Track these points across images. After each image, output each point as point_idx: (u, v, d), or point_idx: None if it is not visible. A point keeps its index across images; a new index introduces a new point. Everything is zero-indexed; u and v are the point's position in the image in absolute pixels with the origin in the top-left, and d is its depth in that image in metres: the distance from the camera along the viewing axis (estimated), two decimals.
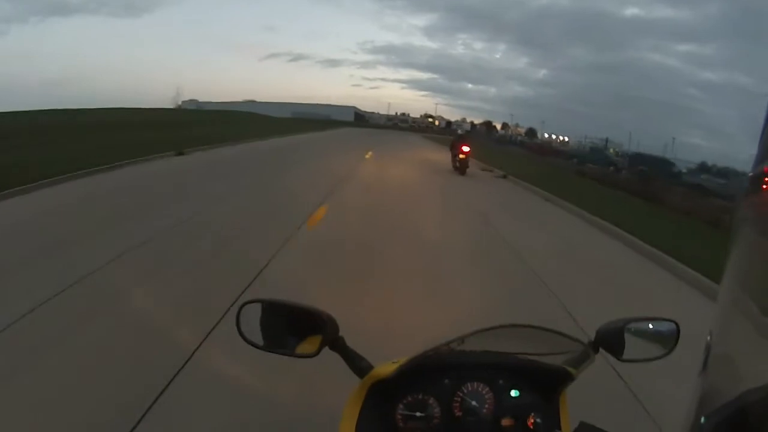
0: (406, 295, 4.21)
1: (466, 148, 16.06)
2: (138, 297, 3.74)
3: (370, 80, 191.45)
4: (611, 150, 45.53)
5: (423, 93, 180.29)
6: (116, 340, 3.06)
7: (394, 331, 3.31)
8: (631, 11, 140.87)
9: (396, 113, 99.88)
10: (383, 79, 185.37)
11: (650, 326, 1.11)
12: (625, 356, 1.06)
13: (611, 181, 18.77)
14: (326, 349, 0.98)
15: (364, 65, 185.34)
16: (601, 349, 1.07)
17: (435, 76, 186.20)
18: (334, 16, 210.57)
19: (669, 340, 1.10)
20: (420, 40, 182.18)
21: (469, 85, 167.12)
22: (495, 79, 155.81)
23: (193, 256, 4.83)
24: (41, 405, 2.41)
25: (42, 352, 2.86)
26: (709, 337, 0.61)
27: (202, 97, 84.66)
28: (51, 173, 8.37)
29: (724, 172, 29.85)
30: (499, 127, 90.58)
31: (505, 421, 0.99)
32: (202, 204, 7.29)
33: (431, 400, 0.98)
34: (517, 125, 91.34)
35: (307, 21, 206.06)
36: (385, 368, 0.97)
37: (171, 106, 51.36)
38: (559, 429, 1.01)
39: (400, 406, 0.97)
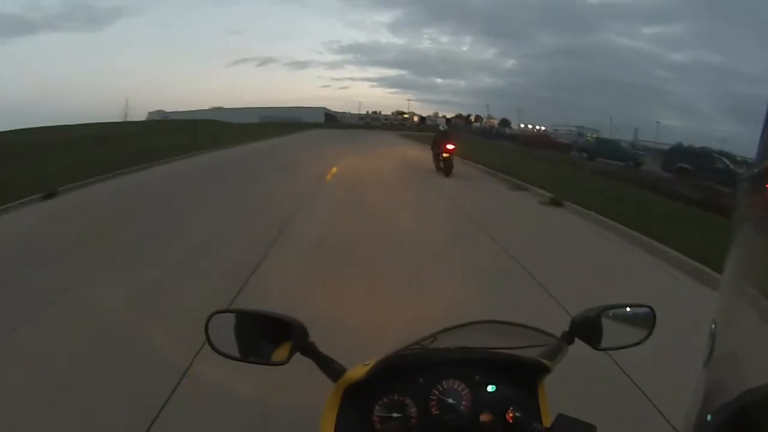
0: None
1: (450, 146, 14.10)
2: None
3: (338, 80, 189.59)
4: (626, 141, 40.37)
5: (392, 90, 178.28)
6: None
7: None
8: None
9: (367, 112, 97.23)
10: (352, 79, 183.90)
11: (626, 313, 1.11)
12: (601, 345, 1.06)
13: (662, 188, 13.74)
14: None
15: (332, 65, 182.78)
16: (577, 339, 1.06)
17: (403, 72, 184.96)
18: (298, 18, 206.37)
19: (645, 325, 1.10)
20: (386, 37, 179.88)
21: (439, 80, 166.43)
22: (464, 71, 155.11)
23: None
24: None
25: None
26: (712, 332, 0.62)
27: (170, 107, 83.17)
28: None
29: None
30: (472, 119, 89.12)
31: (484, 417, 0.97)
32: None
33: (407, 400, 0.97)
34: (489, 116, 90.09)
35: (273, 24, 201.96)
36: (357, 371, 0.97)
37: (120, 119, 46.13)
38: (539, 421, 0.99)
39: (377, 407, 0.96)
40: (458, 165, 14.77)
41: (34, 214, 7.40)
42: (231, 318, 1.00)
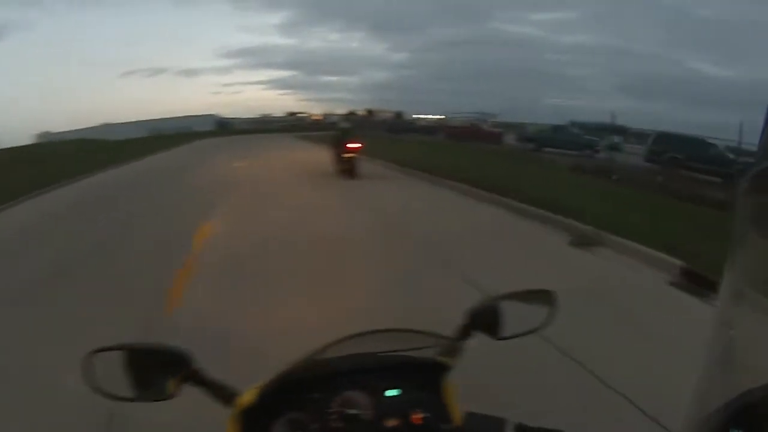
0: None
1: (353, 144, 13.16)
2: None
3: (229, 86, 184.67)
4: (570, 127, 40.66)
5: (284, 91, 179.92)
6: None
7: None
8: None
9: (260, 115, 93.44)
10: (242, 83, 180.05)
11: (525, 298, 1.09)
12: (502, 334, 1.05)
13: (648, 182, 12.56)
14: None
15: (222, 71, 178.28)
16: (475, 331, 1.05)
17: (295, 72, 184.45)
18: (188, 26, 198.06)
19: (546, 308, 1.08)
20: (276, 39, 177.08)
21: (331, 78, 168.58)
22: (355, 68, 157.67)
23: None
24: None
25: None
26: (713, 332, 0.61)
27: (62, 126, 79.64)
28: None
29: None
30: (368, 114, 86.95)
31: (390, 422, 0.95)
32: None
33: (306, 418, 0.94)
34: (383, 110, 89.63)
35: (162, 34, 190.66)
36: (250, 394, 0.94)
37: None
38: (449, 421, 0.98)
39: (276, 429, 0.93)
40: (381, 169, 14.77)
41: None
42: (114, 355, 0.95)
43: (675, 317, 4.45)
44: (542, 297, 1.11)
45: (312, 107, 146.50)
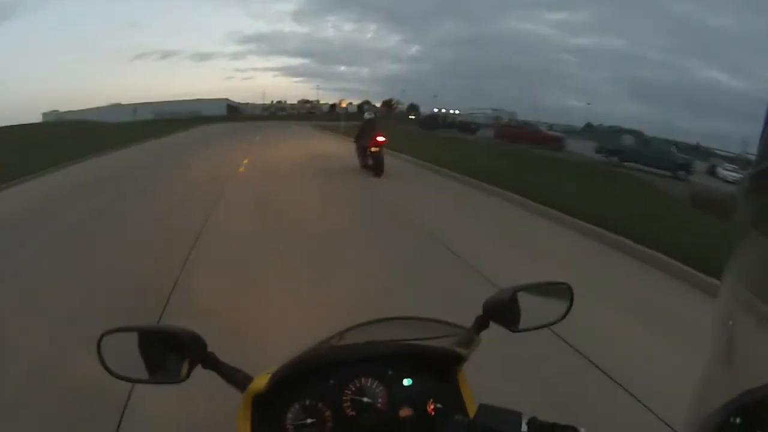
0: None
1: (381, 138, 11.38)
2: None
3: (242, 71, 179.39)
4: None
5: (297, 79, 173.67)
6: None
7: None
8: None
9: (272, 102, 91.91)
10: (255, 69, 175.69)
11: (542, 290, 1.06)
12: (519, 326, 0.99)
13: None
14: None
15: (235, 56, 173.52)
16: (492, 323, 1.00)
17: (307, 61, 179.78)
18: (200, 9, 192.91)
19: (563, 301, 1.05)
20: (289, 26, 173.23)
21: (343, 67, 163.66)
22: (368, 59, 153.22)
23: None
24: None
25: None
26: (714, 332, 0.61)
27: (72, 106, 78.80)
28: None
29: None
30: (378, 106, 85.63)
31: (404, 412, 0.92)
32: None
33: (319, 405, 0.91)
34: (397, 102, 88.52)
35: (175, 17, 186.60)
36: (263, 378, 0.90)
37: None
38: (463, 411, 0.95)
39: (289, 415, 0.90)
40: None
41: None
42: (127, 336, 0.88)
43: None
44: (559, 289, 1.06)
45: (323, 96, 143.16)
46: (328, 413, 0.91)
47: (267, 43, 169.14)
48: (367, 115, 13.42)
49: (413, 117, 51.41)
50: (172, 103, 78.57)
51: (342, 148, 17.15)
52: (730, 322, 0.61)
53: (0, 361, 2.95)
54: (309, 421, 0.90)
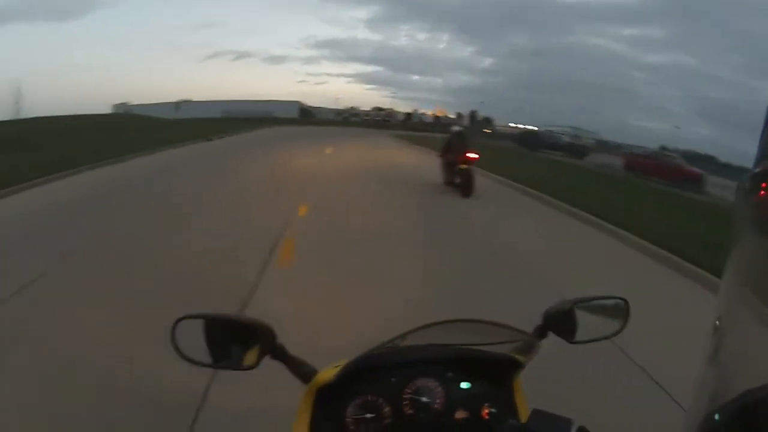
0: None
1: (473, 155, 10.06)
2: None
3: (315, 75, 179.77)
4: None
5: (369, 86, 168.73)
6: None
7: None
8: None
9: (345, 107, 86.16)
10: (328, 74, 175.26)
11: (599, 304, 1.07)
12: (576, 338, 1.02)
13: None
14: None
15: (308, 61, 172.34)
16: (550, 333, 1.02)
17: (380, 68, 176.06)
18: (275, 13, 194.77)
19: (619, 317, 1.07)
20: (363, 33, 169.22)
21: (416, 77, 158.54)
22: (440, 69, 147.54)
23: None
24: None
25: None
26: (714, 332, 0.60)
27: (138, 100, 74.42)
28: None
29: None
30: (453, 116, 78.18)
31: (459, 414, 0.95)
32: None
33: (380, 401, 0.95)
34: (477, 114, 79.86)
35: (249, 19, 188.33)
36: (328, 372, 0.95)
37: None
38: (516, 417, 0.97)
39: (349, 409, 0.93)
40: None
41: None
42: (198, 324, 0.93)
43: None
44: (616, 305, 1.08)
45: (394, 105, 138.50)
46: (387, 410, 0.94)
47: (340, 49, 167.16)
48: (456, 128, 12.30)
49: (489, 131, 44.33)
50: (242, 102, 75.20)
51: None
52: (730, 323, 0.60)
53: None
54: (369, 416, 0.93)
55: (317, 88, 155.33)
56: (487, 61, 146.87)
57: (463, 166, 10.15)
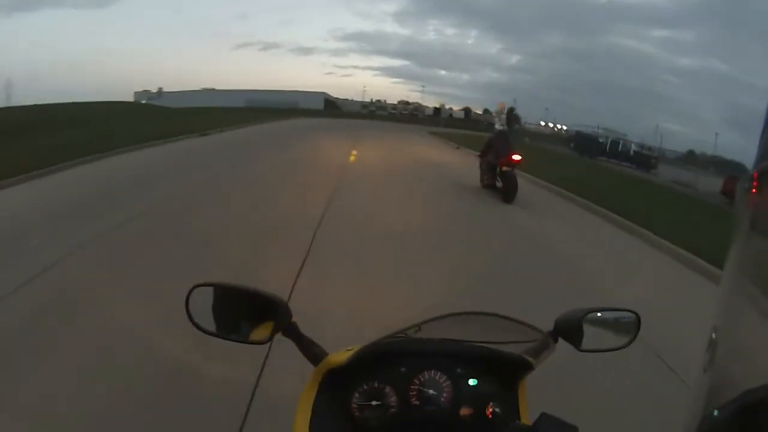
0: None
1: (517, 156, 9.08)
2: None
3: (342, 68, 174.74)
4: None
5: (396, 80, 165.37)
6: None
7: None
8: None
9: (371, 100, 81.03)
10: (355, 67, 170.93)
11: (609, 316, 1.07)
12: (583, 346, 1.01)
13: None
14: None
15: (336, 53, 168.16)
16: (560, 339, 1.02)
17: (407, 62, 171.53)
18: (304, 4, 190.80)
19: (628, 330, 1.06)
20: (391, 27, 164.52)
21: (442, 72, 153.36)
22: (468, 65, 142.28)
23: None
24: None
25: None
26: (713, 332, 0.60)
27: (166, 87, 73.22)
28: None
29: None
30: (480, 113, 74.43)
31: (464, 411, 0.94)
32: None
33: (387, 389, 0.93)
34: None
35: (279, 9, 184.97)
36: (339, 356, 0.93)
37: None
38: (518, 419, 0.96)
39: (356, 394, 0.92)
40: None
41: None
42: (212, 292, 0.93)
43: None
44: (627, 318, 1.06)
45: (421, 99, 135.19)
46: (393, 399, 0.92)
47: (368, 42, 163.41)
48: (498, 127, 10.96)
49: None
50: (267, 92, 72.39)
51: None
52: (730, 323, 0.59)
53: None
54: (374, 403, 0.91)
55: (344, 80, 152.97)
56: (514, 59, 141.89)
57: (506, 168, 9.28)
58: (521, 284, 4.66)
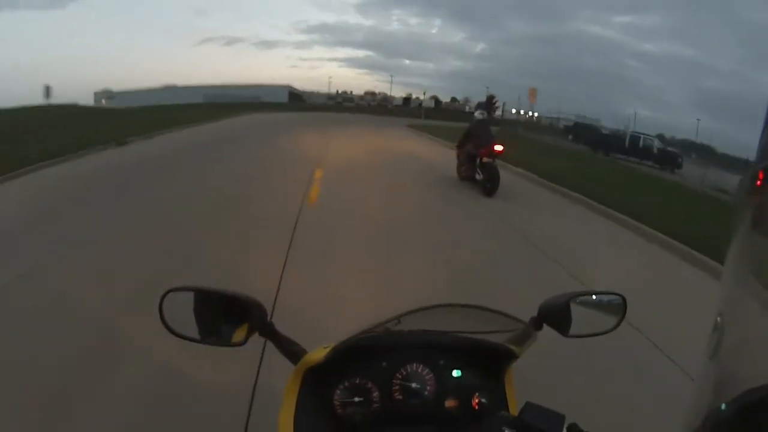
0: None
1: (498, 147, 8.64)
2: None
3: (306, 60, 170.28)
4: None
5: (361, 71, 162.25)
6: None
7: None
8: None
9: (337, 91, 78.72)
10: (320, 59, 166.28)
11: (595, 300, 1.04)
12: (570, 332, 0.98)
13: None
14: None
15: (300, 45, 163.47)
16: (545, 325, 1.00)
17: (371, 53, 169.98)
18: None
19: (615, 313, 1.03)
20: (354, 18, 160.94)
21: (407, 62, 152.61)
22: (433, 54, 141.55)
23: None
24: None
25: None
26: (714, 330, 0.60)
27: (122, 86, 72.11)
28: None
29: None
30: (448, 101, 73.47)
31: (449, 403, 0.92)
32: None
33: (369, 384, 0.91)
34: (467, 99, 74.15)
35: (240, 3, 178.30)
36: (317, 353, 0.91)
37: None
38: (506, 408, 0.95)
39: (338, 391, 0.90)
40: None
41: None
42: (187, 296, 0.89)
43: None
44: (613, 301, 1.03)
45: (386, 89, 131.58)
46: (376, 394, 0.90)
47: (332, 34, 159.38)
48: (477, 115, 10.11)
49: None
50: (228, 87, 69.06)
51: None
52: (730, 323, 0.58)
53: None
54: (357, 399, 0.89)
55: (310, 72, 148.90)
56: (479, 47, 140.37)
57: (487, 160, 8.86)
58: None
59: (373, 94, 79.12)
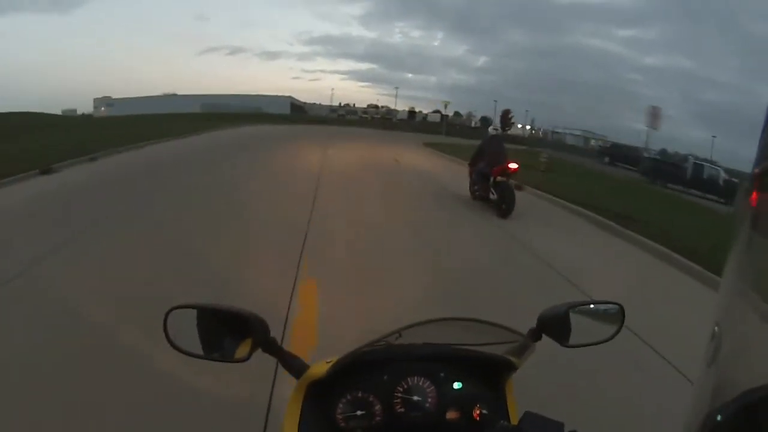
0: None
1: (513, 165, 8.12)
2: None
3: (309, 72, 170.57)
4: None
5: (363, 84, 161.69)
6: None
7: None
8: None
9: (340, 104, 77.16)
10: (323, 71, 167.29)
11: (594, 309, 1.02)
12: (570, 342, 0.97)
13: None
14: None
15: (302, 57, 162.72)
16: (544, 336, 0.98)
17: (374, 66, 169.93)
18: (270, 8, 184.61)
19: (614, 322, 1.02)
20: (357, 30, 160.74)
21: (409, 75, 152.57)
22: (435, 67, 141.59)
23: None
24: None
25: None
26: (714, 332, 0.59)
27: (123, 94, 74.49)
28: None
29: None
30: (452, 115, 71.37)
31: (450, 414, 0.91)
32: None
33: (371, 398, 0.90)
34: (470, 113, 73.09)
35: (244, 14, 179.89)
36: (319, 367, 0.90)
37: None
38: (507, 419, 0.93)
39: (340, 405, 0.89)
40: None
41: None
42: (191, 314, 0.88)
43: None
44: (611, 310, 1.02)
45: (389, 102, 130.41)
46: (378, 407, 0.89)
47: (335, 46, 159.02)
48: (491, 130, 10.20)
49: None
50: (229, 96, 67.31)
51: None
52: (730, 323, 0.58)
53: None
54: (359, 413, 0.88)
55: (312, 84, 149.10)
56: (481, 60, 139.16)
57: (501, 179, 8.14)
58: None
59: (376, 107, 77.39)
